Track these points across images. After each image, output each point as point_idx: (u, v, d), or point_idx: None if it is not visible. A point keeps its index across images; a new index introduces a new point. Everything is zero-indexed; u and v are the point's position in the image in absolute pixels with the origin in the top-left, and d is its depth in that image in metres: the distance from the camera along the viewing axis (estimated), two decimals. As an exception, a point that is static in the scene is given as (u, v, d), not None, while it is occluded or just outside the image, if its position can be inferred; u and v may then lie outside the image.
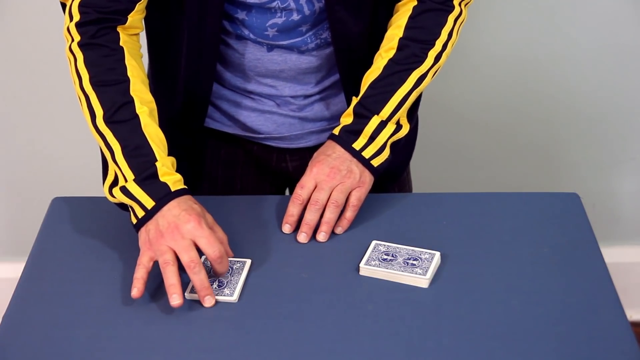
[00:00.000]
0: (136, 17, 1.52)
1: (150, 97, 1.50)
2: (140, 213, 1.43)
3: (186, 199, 1.44)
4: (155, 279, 1.42)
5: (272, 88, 1.66)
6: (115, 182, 1.46)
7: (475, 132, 2.50)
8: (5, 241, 2.63)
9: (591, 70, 2.41)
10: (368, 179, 1.56)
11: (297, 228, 1.53)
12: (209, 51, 1.59)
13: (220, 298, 1.39)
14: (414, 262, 1.44)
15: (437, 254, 1.46)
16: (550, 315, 1.35)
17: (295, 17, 1.57)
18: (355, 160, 1.56)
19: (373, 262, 1.45)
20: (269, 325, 1.35)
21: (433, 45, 1.59)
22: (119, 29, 1.51)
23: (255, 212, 1.58)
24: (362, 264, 1.45)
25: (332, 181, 1.54)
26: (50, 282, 1.44)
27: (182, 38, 1.59)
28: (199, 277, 1.38)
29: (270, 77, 1.65)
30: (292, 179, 1.69)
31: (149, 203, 1.43)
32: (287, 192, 1.83)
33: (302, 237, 1.51)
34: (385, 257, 1.46)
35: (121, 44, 1.50)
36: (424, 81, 1.59)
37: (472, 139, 2.51)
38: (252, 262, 1.45)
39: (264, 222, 1.55)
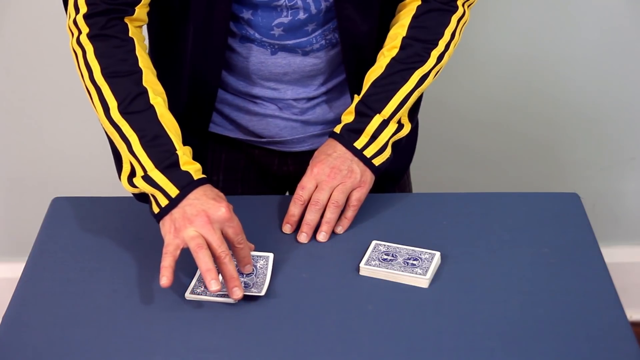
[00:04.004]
0: (142, 9, 1.51)
1: (161, 89, 1.49)
2: (164, 202, 1.42)
3: (210, 188, 1.44)
4: (154, 278, 1.42)
5: (274, 91, 1.65)
6: (133, 173, 1.45)
7: (474, 132, 2.50)
8: (5, 241, 2.63)
9: (591, 70, 2.41)
10: (369, 178, 1.56)
11: (297, 228, 1.53)
12: (214, 53, 1.58)
13: (248, 293, 1.39)
14: (414, 262, 1.44)
15: (437, 254, 1.46)
16: (550, 315, 1.35)
17: (302, 15, 1.57)
18: (356, 159, 1.56)
19: (373, 262, 1.45)
20: (268, 325, 1.35)
21: (436, 45, 1.59)
22: (126, 20, 1.49)
23: (256, 212, 1.58)
24: (362, 264, 1.45)
25: (332, 181, 1.54)
26: (50, 282, 1.44)
27: (187, 41, 1.58)
28: (228, 268, 1.37)
29: (273, 81, 1.64)
30: (293, 183, 1.68)
31: (173, 191, 1.42)
32: (286, 193, 1.83)
33: (303, 237, 1.51)
34: (385, 257, 1.46)
35: (130, 35, 1.49)
36: (426, 81, 1.59)
37: (471, 139, 2.51)
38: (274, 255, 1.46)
39: (264, 222, 1.55)
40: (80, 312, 1.38)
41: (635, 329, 1.41)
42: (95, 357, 1.30)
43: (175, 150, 1.44)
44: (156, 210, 1.43)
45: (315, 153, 1.59)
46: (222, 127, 1.70)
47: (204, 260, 1.36)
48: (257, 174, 1.75)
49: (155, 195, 1.43)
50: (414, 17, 1.60)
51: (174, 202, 1.41)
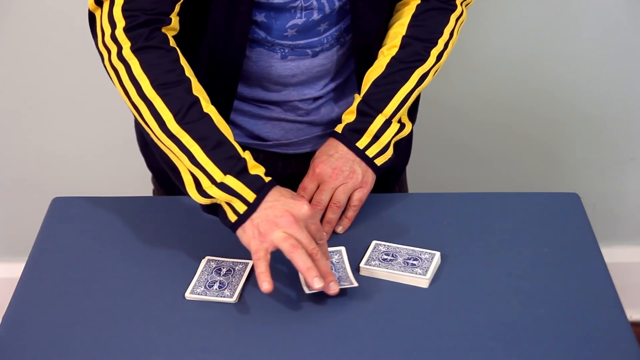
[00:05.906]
0: (176, 17, 1.48)
1: (207, 97, 1.46)
2: (242, 208, 1.39)
3: (283, 188, 1.42)
4: (154, 278, 1.42)
5: (279, 94, 1.64)
6: (198, 184, 1.41)
7: (474, 132, 2.50)
8: (5, 241, 2.63)
9: (591, 70, 2.41)
10: (370, 179, 1.56)
11: (297, 228, 1.53)
12: (234, 56, 1.56)
13: (342, 286, 1.39)
14: (414, 262, 1.44)
15: (437, 254, 1.46)
16: (550, 315, 1.35)
17: (316, 16, 1.56)
18: (358, 159, 1.56)
19: (373, 262, 1.45)
20: (268, 326, 1.35)
21: (436, 44, 1.59)
22: (163, 30, 1.46)
23: (256, 212, 1.58)
24: (362, 264, 1.45)
25: (334, 182, 1.54)
26: (50, 282, 1.44)
27: (200, 51, 1.56)
28: (323, 264, 1.37)
29: (281, 84, 1.63)
30: (296, 185, 1.66)
31: (250, 196, 1.39)
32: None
33: (304, 237, 1.51)
34: (385, 257, 1.46)
35: (171, 44, 1.45)
36: (426, 80, 1.59)
37: (471, 139, 2.51)
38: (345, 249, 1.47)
39: (264, 222, 1.55)
40: (80, 312, 1.38)
41: (635, 329, 1.41)
42: (95, 357, 1.30)
43: (241, 155, 1.41)
44: (233, 218, 1.40)
45: (317, 153, 1.59)
46: None
47: (302, 260, 1.35)
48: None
49: (231, 202, 1.40)
50: (414, 16, 1.60)
51: (252, 207, 1.39)
